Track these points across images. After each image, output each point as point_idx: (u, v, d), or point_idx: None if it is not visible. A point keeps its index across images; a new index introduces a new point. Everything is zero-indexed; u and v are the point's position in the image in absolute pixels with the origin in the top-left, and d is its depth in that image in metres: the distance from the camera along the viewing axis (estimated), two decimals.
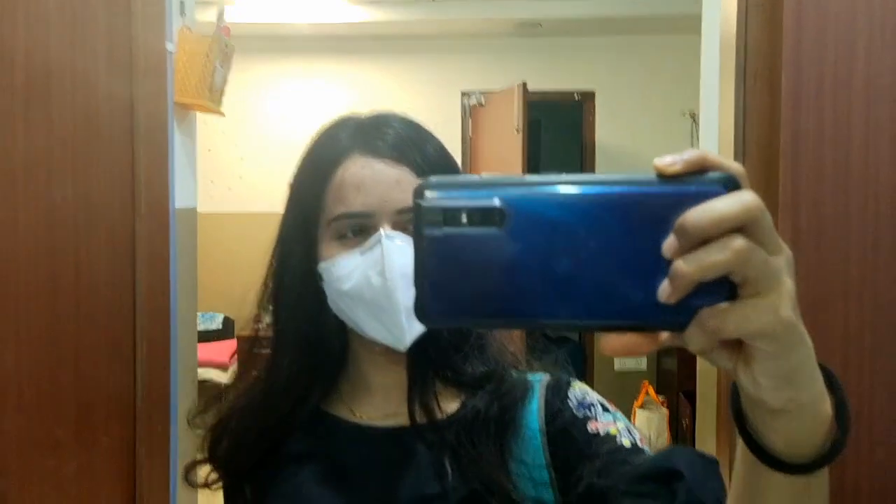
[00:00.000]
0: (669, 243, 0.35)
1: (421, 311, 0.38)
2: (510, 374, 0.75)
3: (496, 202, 0.37)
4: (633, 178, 0.37)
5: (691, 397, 3.99)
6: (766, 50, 1.11)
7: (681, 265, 0.34)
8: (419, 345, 0.71)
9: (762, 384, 0.37)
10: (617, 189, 0.37)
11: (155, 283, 1.26)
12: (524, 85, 4.38)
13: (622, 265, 0.36)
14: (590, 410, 0.71)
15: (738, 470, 0.44)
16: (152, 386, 1.25)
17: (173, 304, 1.31)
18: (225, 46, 1.51)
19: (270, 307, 0.79)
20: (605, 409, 0.72)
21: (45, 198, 0.98)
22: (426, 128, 0.78)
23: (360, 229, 0.71)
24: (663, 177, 0.37)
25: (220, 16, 1.43)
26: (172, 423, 1.32)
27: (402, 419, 0.74)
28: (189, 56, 1.34)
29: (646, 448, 0.68)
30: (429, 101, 5.11)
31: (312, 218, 0.74)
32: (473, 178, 0.39)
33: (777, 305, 0.34)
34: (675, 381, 4.36)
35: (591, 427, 0.69)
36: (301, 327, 0.75)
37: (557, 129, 6.82)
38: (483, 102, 4.91)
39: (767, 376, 0.36)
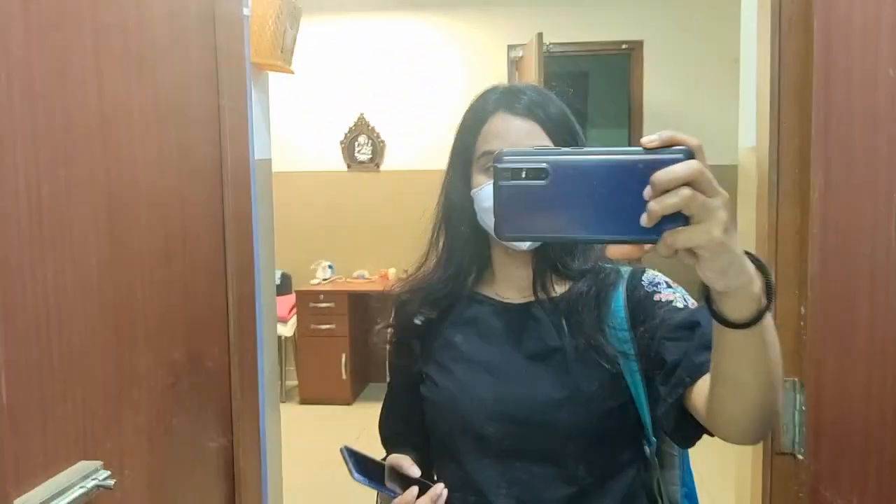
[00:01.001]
0: (647, 191, 0.58)
1: (497, 230, 0.63)
2: (605, 267, 1.04)
3: (543, 164, 0.60)
4: (627, 149, 0.60)
5: None
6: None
7: (653, 205, 0.58)
8: (541, 246, 1.02)
9: (708, 276, 0.62)
10: (617, 157, 0.60)
11: (241, 226, 1.40)
12: (540, 36, 4.37)
13: (620, 203, 0.59)
14: (657, 287, 1.02)
15: (715, 333, 0.71)
16: (242, 318, 1.40)
17: (256, 244, 1.46)
18: (293, 8, 1.64)
19: (441, 222, 1.10)
20: (669, 286, 1.03)
21: (156, 143, 1.13)
22: (551, 94, 1.07)
23: None
24: (647, 149, 0.60)
25: None
26: (259, 353, 1.48)
27: (529, 297, 1.05)
28: (261, 19, 1.47)
29: (692, 307, 0.97)
30: (478, 55, 5.16)
31: (467, 157, 1.04)
32: (531, 150, 0.64)
33: (709, 229, 0.58)
34: None
35: (657, 297, 0.99)
36: (462, 234, 1.06)
37: (606, 80, 6.79)
38: (521, 56, 4.94)
39: (710, 271, 0.61)
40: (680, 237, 0.58)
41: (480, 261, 1.09)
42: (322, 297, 4.92)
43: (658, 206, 0.57)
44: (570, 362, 0.99)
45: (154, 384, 1.14)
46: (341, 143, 5.37)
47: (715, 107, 4.89)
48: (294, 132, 5.26)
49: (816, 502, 1.24)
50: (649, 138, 0.59)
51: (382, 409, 1.20)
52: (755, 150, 1.34)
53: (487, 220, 1.00)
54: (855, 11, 1.11)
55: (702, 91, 4.98)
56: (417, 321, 1.10)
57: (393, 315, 1.15)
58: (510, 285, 1.08)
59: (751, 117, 1.39)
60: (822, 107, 1.17)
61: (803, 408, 1.24)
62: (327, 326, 4.86)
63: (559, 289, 1.05)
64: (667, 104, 5.12)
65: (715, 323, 0.68)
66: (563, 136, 1.02)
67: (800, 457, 1.25)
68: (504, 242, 1.01)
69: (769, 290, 0.65)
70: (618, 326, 1.00)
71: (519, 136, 0.99)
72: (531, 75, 4.52)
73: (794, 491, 1.27)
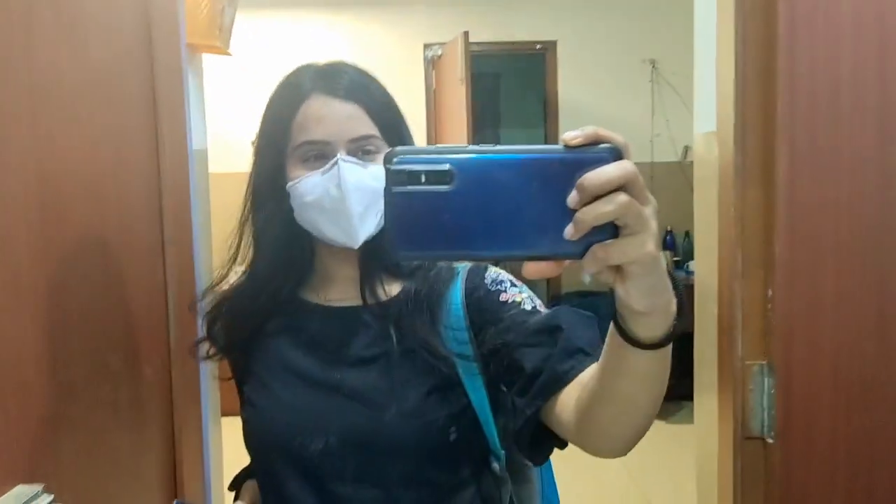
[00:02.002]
0: (572, 197, 0.49)
1: (391, 247, 0.52)
2: (439, 264, 0.93)
3: (446, 166, 0.50)
4: (546, 147, 0.51)
5: None
6: None
7: (582, 214, 0.48)
8: (367, 244, 0.91)
9: (633, 294, 0.53)
10: (535, 156, 0.51)
11: (180, 220, 1.29)
12: (466, 34, 4.36)
13: (538, 212, 0.50)
14: (501, 285, 0.91)
15: (609, 350, 0.63)
16: (182, 321, 1.29)
17: (195, 240, 1.34)
18: None
19: (249, 220, 0.97)
20: (514, 284, 0.92)
21: (89, 127, 1.01)
22: (373, 75, 0.96)
23: (320, 155, 0.89)
24: (568, 147, 0.50)
25: None
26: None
27: (357, 301, 0.94)
28: None
29: (543, 310, 0.88)
30: (394, 54, 5.09)
31: (281, 146, 0.91)
32: (429, 147, 0.53)
33: (645, 241, 0.49)
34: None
35: (502, 297, 0.89)
36: (275, 234, 0.93)
37: (518, 81, 6.85)
38: (440, 54, 4.91)
39: (637, 289, 0.52)
40: (612, 252, 0.49)
41: (299, 263, 0.96)
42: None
43: (590, 216, 0.48)
44: (395, 368, 0.88)
45: (91, 397, 1.02)
46: (253, 143, 5.16)
47: (629, 106, 5.01)
48: (217, 132, 5.04)
49: (787, 486, 1.24)
50: (572, 134, 0.50)
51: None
52: (716, 135, 1.34)
53: (307, 217, 0.90)
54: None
55: (616, 91, 5.08)
56: (232, 336, 0.98)
57: (207, 331, 1.01)
58: (335, 288, 0.96)
59: (708, 102, 1.39)
60: (788, 88, 1.17)
61: (772, 391, 1.24)
62: None
63: (390, 289, 0.94)
64: (581, 104, 5.20)
65: (617, 342, 0.59)
66: (388, 121, 0.92)
67: (769, 441, 1.25)
68: (396, 260, 0.90)
69: (681, 308, 0.57)
70: (454, 327, 0.89)
71: (340, 121, 0.88)
72: (454, 75, 4.49)
73: (764, 475, 1.27)
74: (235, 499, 1.04)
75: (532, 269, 0.52)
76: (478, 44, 4.92)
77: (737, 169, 1.24)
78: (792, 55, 1.16)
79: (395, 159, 0.50)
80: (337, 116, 0.89)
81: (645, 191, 0.50)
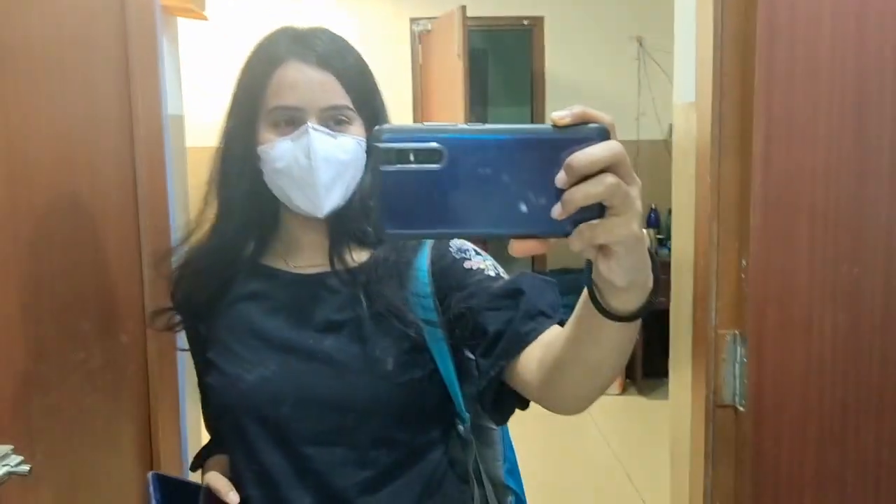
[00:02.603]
0: (560, 177, 0.49)
1: (379, 227, 0.51)
2: None
3: (435, 145, 0.49)
4: (534, 127, 0.50)
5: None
6: None
7: (571, 194, 0.48)
8: (336, 212, 0.91)
9: (615, 271, 0.53)
10: (523, 135, 0.50)
11: (155, 186, 1.27)
12: (463, 8, 4.31)
13: (526, 191, 0.50)
14: (465, 254, 0.92)
15: (580, 319, 0.64)
16: (158, 286, 1.28)
17: (172, 205, 1.33)
18: None
19: (217, 180, 0.95)
20: (478, 253, 0.93)
21: (59, 84, 0.99)
22: (348, 42, 0.95)
23: (291, 120, 0.89)
24: (556, 126, 0.50)
25: None
26: None
27: (325, 267, 0.94)
28: None
29: (506, 276, 0.90)
30: (380, 27, 5.03)
31: (253, 109, 0.90)
32: (417, 126, 0.51)
33: (630, 222, 0.50)
34: None
35: (466, 265, 0.90)
36: (242, 195, 0.93)
37: (505, 58, 6.82)
38: (429, 29, 4.87)
39: (620, 267, 0.53)
40: (599, 231, 0.50)
41: (264, 227, 0.96)
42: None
43: (579, 196, 0.48)
44: (366, 332, 0.89)
45: (63, 360, 1.01)
46: (235, 82, 5.11)
47: (616, 83, 5.00)
48: (195, 105, 4.98)
49: (758, 453, 1.26)
50: (560, 114, 0.50)
51: (200, 394, 1.04)
52: (695, 105, 1.33)
53: (276, 183, 0.90)
54: None
55: (603, 68, 5.07)
56: (197, 302, 0.96)
57: (170, 296, 0.99)
58: (302, 254, 0.96)
59: (688, 73, 1.38)
60: (765, 59, 1.16)
61: (744, 360, 1.25)
62: None
63: (358, 257, 0.94)
64: (569, 81, 5.18)
65: (590, 313, 0.60)
66: (363, 90, 0.92)
67: (741, 409, 1.26)
68: (383, 240, 0.87)
69: (657, 284, 0.58)
70: (421, 293, 0.90)
71: (312, 89, 0.88)
72: (445, 49, 4.45)
73: (735, 443, 1.29)
74: (203, 475, 1.03)
75: (519, 247, 0.52)
76: (445, 16, 4.88)
77: (714, 139, 1.25)
78: (770, 25, 1.16)
79: (383, 137, 0.50)
80: (310, 84, 0.89)
81: (631, 172, 0.50)
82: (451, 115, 4.27)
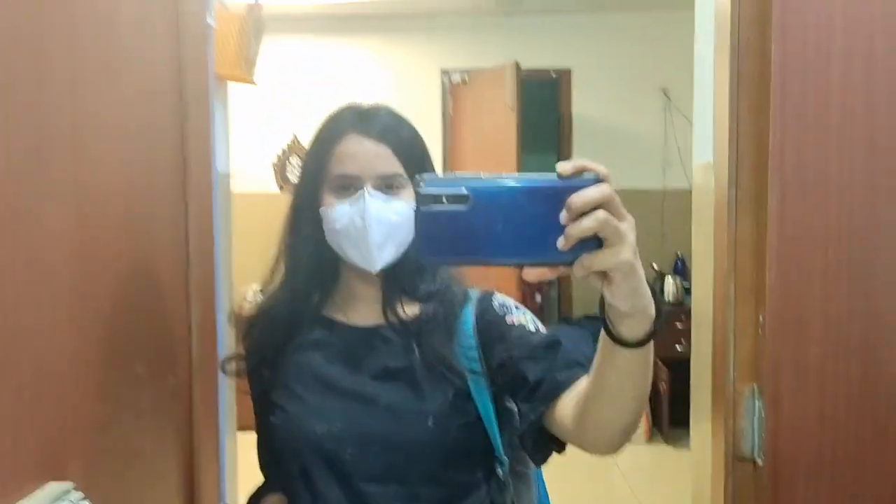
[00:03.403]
0: (563, 215, 0.61)
1: (420, 253, 0.65)
2: (453, 289, 1.06)
3: (464, 190, 0.62)
4: (543, 176, 0.63)
5: (668, 363, 4.17)
6: (756, 20, 1.25)
7: (570, 228, 0.61)
8: (391, 269, 1.02)
9: (616, 297, 0.65)
10: (533, 183, 0.63)
11: (203, 240, 1.37)
12: (517, 64, 4.52)
13: (537, 227, 0.62)
14: (507, 309, 1.04)
15: (600, 350, 0.75)
16: (203, 334, 1.36)
17: (218, 259, 1.42)
18: (258, 21, 1.62)
19: (287, 239, 1.09)
20: (518, 308, 1.04)
21: (124, 154, 1.09)
22: (405, 118, 1.08)
23: (350, 186, 1.01)
24: (561, 176, 0.63)
25: None
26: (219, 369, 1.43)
27: (379, 320, 1.05)
28: (226, 30, 1.44)
29: (543, 330, 1.01)
30: (410, 79, 5.20)
31: (319, 176, 1.04)
32: (450, 175, 0.64)
33: (621, 251, 0.61)
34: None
35: (508, 320, 1.02)
36: (308, 252, 1.05)
37: (534, 108, 6.93)
38: (467, 80, 5.02)
39: (619, 291, 0.64)
40: (596, 260, 0.61)
41: (327, 281, 1.08)
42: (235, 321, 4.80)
43: (575, 230, 0.60)
44: (419, 380, 0.99)
45: (118, 401, 1.09)
46: (274, 164, 5.29)
47: (642, 133, 5.08)
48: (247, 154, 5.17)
49: None
50: (564, 165, 0.62)
51: (257, 437, 1.17)
52: (713, 166, 1.40)
53: (335, 241, 1.02)
54: (809, 36, 1.19)
55: (629, 118, 5.16)
56: (265, 347, 1.09)
57: (242, 342, 1.13)
58: (359, 307, 1.07)
59: (707, 134, 1.45)
60: (779, 125, 1.23)
61: (762, 414, 1.29)
62: None
63: (410, 311, 1.05)
64: (595, 130, 5.28)
65: (606, 342, 0.71)
66: (414, 159, 1.03)
67: (759, 462, 1.29)
68: (424, 264, 1.02)
69: (659, 313, 0.69)
70: (466, 345, 1.01)
71: (370, 159, 1.00)
72: (496, 102, 4.63)
73: (754, 496, 1.31)
74: None
75: (531, 273, 0.65)
76: (488, 70, 5.03)
77: (730, 200, 1.31)
78: (783, 92, 1.23)
79: (423, 184, 0.63)
80: (368, 155, 1.01)
81: (621, 209, 0.62)
82: (504, 162, 4.48)
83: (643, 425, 4.48)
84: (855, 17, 1.21)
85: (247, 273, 5.19)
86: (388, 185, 1.00)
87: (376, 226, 0.97)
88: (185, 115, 1.30)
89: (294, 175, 5.26)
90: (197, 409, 1.33)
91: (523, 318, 1.02)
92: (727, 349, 1.33)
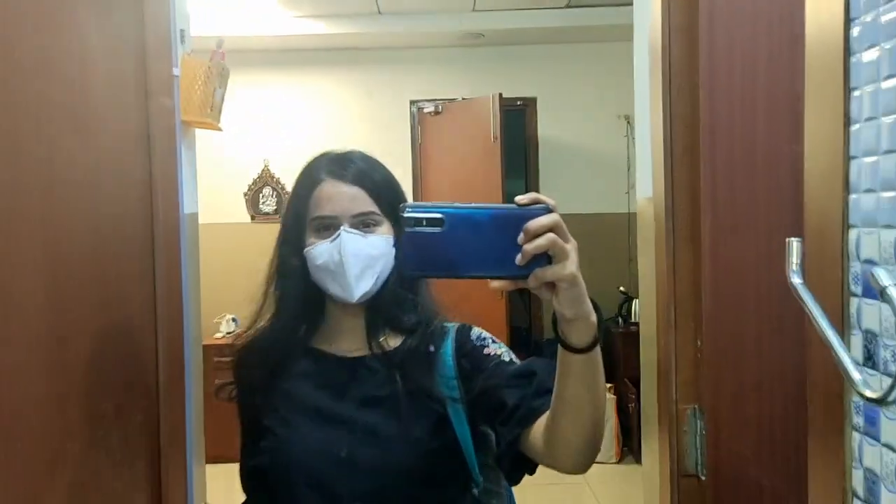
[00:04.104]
0: (521, 238, 0.74)
1: (403, 268, 0.78)
2: (434, 322, 1.16)
3: (440, 215, 0.75)
4: (505, 206, 0.76)
5: (636, 383, 4.25)
6: (686, 66, 1.35)
7: (527, 247, 0.74)
8: (372, 301, 1.12)
9: (562, 304, 0.78)
10: (497, 210, 0.76)
11: (171, 280, 1.42)
12: (499, 95, 4.65)
13: (499, 247, 0.75)
14: (484, 341, 1.13)
15: (558, 364, 0.86)
16: (170, 371, 1.41)
17: (185, 297, 1.47)
18: (222, 69, 1.69)
19: (274, 277, 1.18)
20: (494, 341, 1.14)
21: (95, 202, 1.15)
22: (377, 160, 1.18)
23: (329, 226, 1.11)
24: (519, 205, 0.76)
25: (220, 43, 1.61)
26: (188, 405, 1.48)
27: (364, 351, 1.13)
28: (190, 79, 1.51)
29: (517, 361, 1.10)
30: (379, 109, 5.29)
31: (300, 220, 1.14)
32: (429, 203, 0.77)
33: (567, 266, 0.75)
34: (620, 369, 4.65)
35: (485, 351, 1.11)
36: (294, 288, 1.14)
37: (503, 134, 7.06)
38: (440, 110, 5.13)
39: (565, 299, 0.78)
40: (547, 272, 0.75)
41: (313, 315, 1.17)
42: (227, 350, 4.81)
43: (531, 248, 0.74)
44: (401, 407, 1.07)
45: (86, 438, 1.14)
46: (245, 194, 5.34)
47: (607, 160, 5.21)
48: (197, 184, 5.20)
49: None
50: (521, 198, 0.76)
51: (240, 461, 1.23)
52: (652, 201, 1.49)
53: (318, 277, 1.11)
54: (735, 79, 1.29)
55: (592, 144, 5.30)
56: (257, 376, 1.16)
57: (232, 372, 1.22)
58: (344, 339, 1.15)
59: (647, 170, 1.55)
60: (709, 162, 1.32)
61: (703, 432, 1.37)
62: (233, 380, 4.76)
63: (392, 342, 1.14)
64: (560, 157, 5.40)
65: (561, 351, 0.84)
66: (387, 198, 1.13)
67: (702, 478, 1.37)
68: (405, 277, 1.10)
69: (600, 324, 0.82)
70: (446, 375, 1.10)
71: (345, 201, 1.11)
72: (476, 132, 4.76)
73: None
74: None
75: (496, 284, 0.77)
76: (466, 101, 5.14)
77: (668, 232, 1.40)
78: (712, 131, 1.32)
79: (406, 210, 0.76)
80: (343, 198, 1.10)
81: (566, 233, 0.76)
82: (486, 189, 4.66)
83: (614, 447, 4.56)
84: (779, 59, 1.31)
85: (214, 301, 5.23)
86: (363, 223, 1.10)
87: (352, 259, 1.07)
88: (152, 161, 1.37)
89: (266, 205, 5.32)
90: (165, 442, 1.38)
91: (499, 350, 1.12)
92: (669, 371, 1.41)
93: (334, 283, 1.09)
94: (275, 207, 5.31)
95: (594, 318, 0.81)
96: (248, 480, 1.20)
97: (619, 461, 4.50)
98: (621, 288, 4.88)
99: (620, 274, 4.80)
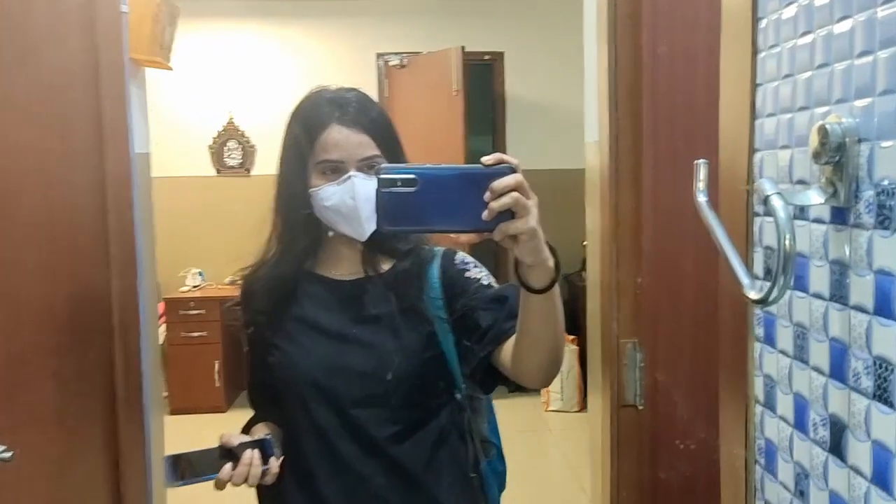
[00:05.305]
0: (487, 195, 0.81)
1: (379, 224, 0.84)
2: (423, 247, 1.25)
3: (412, 175, 0.81)
4: (472, 166, 0.83)
5: None
6: (629, 10, 1.38)
7: (492, 204, 0.81)
8: (373, 234, 1.18)
9: (522, 253, 0.86)
10: (466, 170, 0.83)
11: (122, 218, 1.44)
12: (462, 48, 4.59)
13: (468, 204, 0.81)
14: (467, 266, 1.23)
15: (521, 301, 0.95)
16: (124, 308, 1.44)
17: (138, 238, 1.49)
18: (172, 6, 1.68)
19: (278, 212, 1.24)
20: (476, 266, 1.23)
21: (38, 130, 1.16)
22: (373, 99, 1.24)
23: (335, 170, 1.18)
24: (485, 165, 0.82)
25: None
26: (143, 341, 1.51)
27: (360, 274, 1.24)
28: (140, 15, 1.49)
29: (495, 285, 1.20)
30: (345, 61, 5.24)
31: (304, 160, 1.20)
32: (403, 164, 0.88)
33: (528, 220, 0.82)
34: (582, 320, 4.73)
35: (468, 274, 1.21)
36: (297, 222, 1.22)
37: (469, 91, 7.04)
38: (405, 63, 5.09)
39: (525, 249, 0.85)
40: (510, 227, 0.82)
41: (316, 244, 1.24)
42: (192, 304, 4.81)
43: (496, 205, 0.81)
44: (396, 323, 1.18)
45: (40, 367, 1.17)
46: (210, 147, 5.28)
47: (572, 114, 5.24)
48: (160, 136, 5.13)
49: (655, 446, 1.43)
50: (487, 158, 0.83)
51: (248, 377, 1.33)
52: (597, 144, 1.53)
53: (327, 217, 1.18)
54: (677, 24, 1.32)
55: (559, 99, 5.31)
56: (263, 302, 1.24)
57: (242, 296, 1.29)
58: (343, 264, 1.24)
59: (594, 115, 1.58)
60: (651, 106, 1.36)
61: (642, 365, 1.43)
62: (199, 334, 4.75)
63: (385, 266, 1.23)
64: (526, 112, 5.42)
65: (523, 291, 0.92)
66: (388, 140, 1.20)
67: (640, 407, 1.44)
68: (382, 232, 1.15)
69: (557, 266, 0.90)
70: (434, 295, 1.20)
71: (352, 147, 1.16)
72: (439, 86, 4.69)
73: (637, 437, 1.46)
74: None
75: (464, 238, 0.85)
76: (430, 54, 5.11)
77: (611, 173, 1.44)
78: (654, 77, 1.36)
79: (382, 171, 0.81)
80: (350, 143, 1.16)
81: (529, 191, 0.83)
82: (448, 145, 4.57)
83: (576, 396, 4.67)
84: (717, 6, 1.35)
85: (180, 254, 5.22)
86: (367, 166, 1.16)
87: (364, 203, 1.14)
88: (100, 98, 1.37)
89: (231, 158, 5.27)
90: (119, 380, 1.41)
91: (480, 273, 1.22)
92: (611, 308, 1.47)
93: (345, 223, 1.17)
94: (240, 161, 5.26)
95: (551, 262, 0.89)
96: (256, 394, 1.30)
97: (581, 410, 4.62)
98: (585, 242, 4.95)
99: (582, 228, 4.87)
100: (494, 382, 1.17)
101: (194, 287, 5.07)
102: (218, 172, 5.32)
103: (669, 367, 1.40)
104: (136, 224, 1.48)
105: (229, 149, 5.30)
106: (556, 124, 5.31)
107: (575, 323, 4.96)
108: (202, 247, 5.21)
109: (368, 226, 1.16)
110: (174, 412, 4.77)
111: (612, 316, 1.47)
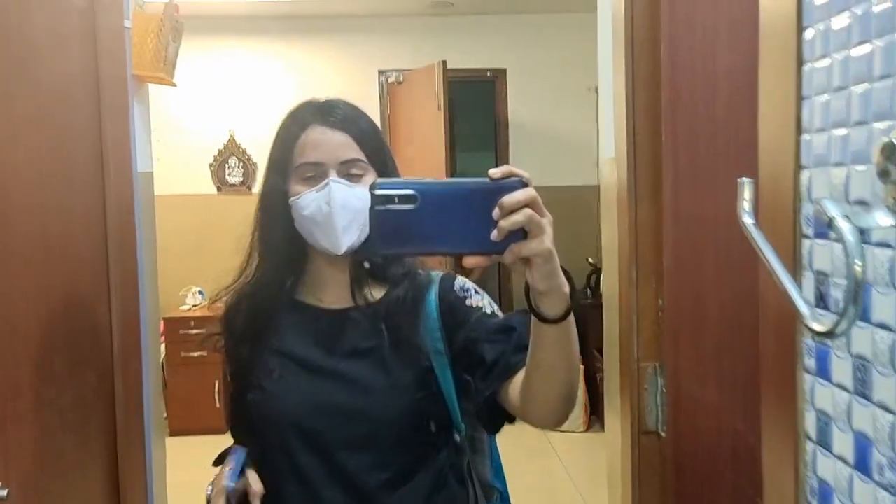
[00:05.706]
0: (495, 213, 0.72)
1: (374, 246, 0.74)
2: (418, 272, 1.14)
3: (411, 191, 0.72)
4: (477, 180, 0.74)
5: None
6: (647, 24, 1.34)
7: (502, 223, 0.72)
8: (354, 252, 1.08)
9: (536, 279, 0.76)
10: (472, 185, 0.74)
11: (124, 240, 1.39)
12: (444, 63, 4.54)
13: (474, 222, 0.72)
14: (467, 293, 1.12)
15: (532, 332, 0.86)
16: (125, 332, 1.38)
17: (140, 258, 1.44)
18: (176, 22, 1.64)
19: (259, 228, 1.14)
20: (477, 292, 1.14)
21: (36, 147, 1.11)
22: (361, 109, 1.15)
23: (315, 174, 1.07)
24: (492, 179, 0.73)
25: None
26: (144, 365, 1.46)
27: (348, 302, 1.11)
28: (143, 31, 1.46)
29: (499, 314, 1.10)
30: (347, 78, 5.22)
31: (285, 167, 1.10)
32: (401, 179, 0.76)
33: (543, 241, 0.73)
34: (588, 340, 4.68)
35: (469, 302, 1.11)
36: (279, 239, 1.11)
37: (471, 107, 7.03)
38: (401, 80, 5.07)
39: (539, 274, 0.76)
40: (523, 248, 0.73)
41: (297, 267, 1.14)
42: (192, 323, 4.76)
43: (507, 223, 0.71)
44: (386, 358, 1.07)
45: (37, 397, 1.11)
46: (210, 165, 5.25)
47: (576, 131, 5.21)
48: (161, 153, 5.10)
49: (678, 474, 1.38)
50: (494, 171, 0.73)
51: (227, 412, 1.22)
52: (615, 160, 1.49)
53: (306, 228, 1.07)
54: (696, 37, 1.28)
55: (561, 116, 5.29)
56: (243, 329, 1.14)
57: (220, 324, 1.19)
58: (329, 291, 1.13)
59: (611, 132, 1.54)
60: (670, 120, 1.32)
61: (664, 389, 1.38)
62: (199, 354, 4.70)
63: (376, 293, 1.12)
64: (530, 128, 5.39)
65: (534, 321, 0.83)
66: (374, 147, 1.10)
67: (662, 434, 1.38)
68: (376, 257, 1.09)
69: (573, 293, 0.81)
70: (431, 326, 1.09)
71: (332, 147, 1.07)
72: (424, 100, 4.62)
73: (658, 465, 1.40)
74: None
75: (470, 261, 0.74)
76: (419, 70, 5.08)
77: (630, 190, 1.40)
78: (674, 91, 1.31)
79: (377, 186, 0.73)
80: (331, 143, 1.07)
81: (542, 208, 0.73)
82: (433, 161, 4.48)
83: (582, 416, 4.61)
84: (739, 18, 1.31)
85: (181, 273, 5.16)
86: (350, 171, 1.07)
87: (341, 210, 1.04)
88: (102, 115, 1.33)
89: (232, 176, 5.23)
90: (120, 407, 1.36)
91: (481, 301, 1.11)
92: (631, 330, 1.42)
93: (321, 233, 1.06)
94: (241, 178, 5.22)
95: (566, 289, 0.80)
96: (237, 432, 1.20)
97: (587, 430, 4.55)
98: (590, 259, 4.90)
99: (588, 247, 4.81)
100: (501, 422, 1.05)
101: (194, 306, 5.02)
102: (219, 190, 5.29)
103: (694, 391, 1.34)
104: (139, 246, 1.43)
105: (230, 166, 5.28)
106: (558, 141, 5.28)
107: (580, 342, 4.91)
108: (203, 265, 5.15)
109: (345, 237, 1.05)
110: (173, 433, 4.69)
111: (631, 337, 1.42)
